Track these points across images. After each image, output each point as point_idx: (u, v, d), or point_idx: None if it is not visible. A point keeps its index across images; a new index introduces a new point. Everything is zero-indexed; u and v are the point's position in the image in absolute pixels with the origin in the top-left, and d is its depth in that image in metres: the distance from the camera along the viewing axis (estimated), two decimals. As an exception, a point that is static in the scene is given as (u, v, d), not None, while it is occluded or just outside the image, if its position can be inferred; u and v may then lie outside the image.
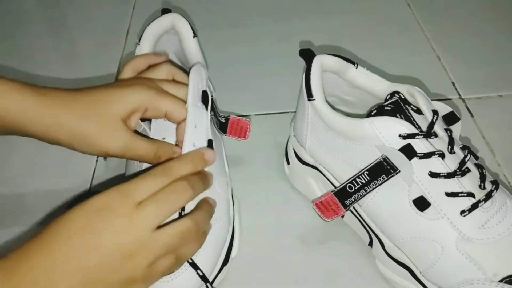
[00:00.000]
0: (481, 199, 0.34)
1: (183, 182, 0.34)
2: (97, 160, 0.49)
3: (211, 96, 0.42)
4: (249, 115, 0.54)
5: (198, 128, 0.39)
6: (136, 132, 0.39)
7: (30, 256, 0.29)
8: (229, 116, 0.44)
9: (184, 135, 0.38)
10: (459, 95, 0.55)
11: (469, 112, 0.52)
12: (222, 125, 0.44)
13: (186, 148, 0.38)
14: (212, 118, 0.43)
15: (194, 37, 0.45)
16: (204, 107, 0.41)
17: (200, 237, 0.35)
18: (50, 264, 0.29)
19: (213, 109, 0.43)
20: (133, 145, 0.37)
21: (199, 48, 0.46)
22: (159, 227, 0.32)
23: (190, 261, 0.36)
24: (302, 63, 0.40)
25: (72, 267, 0.29)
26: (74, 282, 0.29)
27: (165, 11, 0.46)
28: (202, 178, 0.36)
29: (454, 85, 0.56)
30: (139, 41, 0.45)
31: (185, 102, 0.39)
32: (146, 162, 0.39)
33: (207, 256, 0.37)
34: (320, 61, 0.40)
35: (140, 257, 0.31)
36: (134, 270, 0.31)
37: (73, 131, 0.36)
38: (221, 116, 0.44)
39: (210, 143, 0.40)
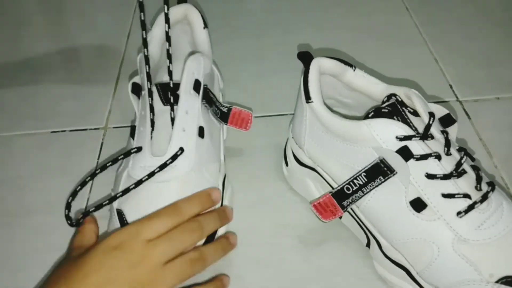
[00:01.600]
0: (477, 200, 0.34)
1: (194, 222, 0.36)
2: (97, 162, 0.50)
3: (206, 84, 0.43)
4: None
5: (189, 114, 0.41)
6: None
7: None
8: (231, 106, 0.44)
9: (174, 120, 0.40)
10: (457, 97, 0.55)
11: (467, 114, 0.53)
12: (223, 114, 0.44)
13: (176, 132, 0.40)
14: (207, 106, 0.44)
15: (204, 28, 0.47)
16: (196, 94, 0.42)
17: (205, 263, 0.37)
18: None
19: (211, 98, 0.44)
20: None
21: (208, 38, 0.47)
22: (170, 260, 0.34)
23: None
24: (300, 65, 0.41)
25: None
26: None
27: (181, 1, 0.47)
28: (214, 217, 0.38)
29: (451, 87, 0.56)
30: (151, 27, 0.45)
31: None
32: None
33: None
34: (318, 64, 0.40)
35: (154, 286, 0.33)
36: None
37: None
38: (223, 106, 0.44)
39: (201, 130, 0.41)
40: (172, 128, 0.40)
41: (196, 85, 0.42)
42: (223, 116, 0.44)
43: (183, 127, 0.40)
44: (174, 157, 0.39)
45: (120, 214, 0.39)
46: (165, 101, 0.42)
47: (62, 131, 0.53)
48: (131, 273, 0.33)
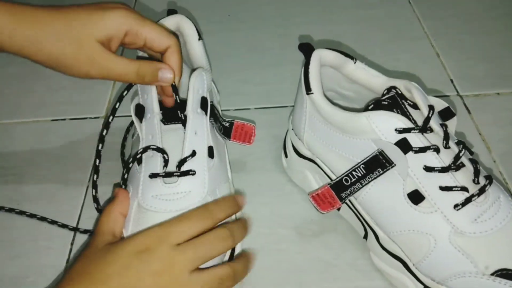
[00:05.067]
0: (474, 194, 0.34)
1: (226, 230, 0.34)
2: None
3: (211, 101, 0.42)
4: (249, 108, 0.54)
5: (198, 134, 0.39)
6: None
7: None
8: (233, 120, 0.43)
9: (184, 142, 0.38)
10: (457, 92, 0.55)
11: (467, 109, 0.53)
12: (226, 129, 0.43)
13: (186, 154, 0.38)
14: (213, 123, 0.42)
15: (199, 39, 0.45)
16: (203, 113, 0.40)
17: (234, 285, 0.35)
18: None
19: (216, 114, 0.42)
20: (112, 66, 0.36)
21: (204, 50, 0.45)
22: (198, 270, 0.32)
23: None
24: (301, 57, 0.41)
25: None
26: None
27: (171, 12, 0.45)
28: (243, 226, 0.37)
29: (452, 82, 0.56)
30: None
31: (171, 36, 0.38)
32: (129, 82, 0.39)
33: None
34: (319, 55, 0.40)
35: None
36: None
37: (50, 53, 0.36)
38: (225, 121, 0.43)
39: (210, 150, 0.40)
40: (182, 151, 0.38)
41: (203, 103, 0.40)
42: (226, 132, 0.43)
43: (193, 149, 0.38)
44: (185, 174, 0.38)
45: None
46: (166, 120, 0.40)
47: (62, 119, 0.53)
48: (155, 280, 0.31)
